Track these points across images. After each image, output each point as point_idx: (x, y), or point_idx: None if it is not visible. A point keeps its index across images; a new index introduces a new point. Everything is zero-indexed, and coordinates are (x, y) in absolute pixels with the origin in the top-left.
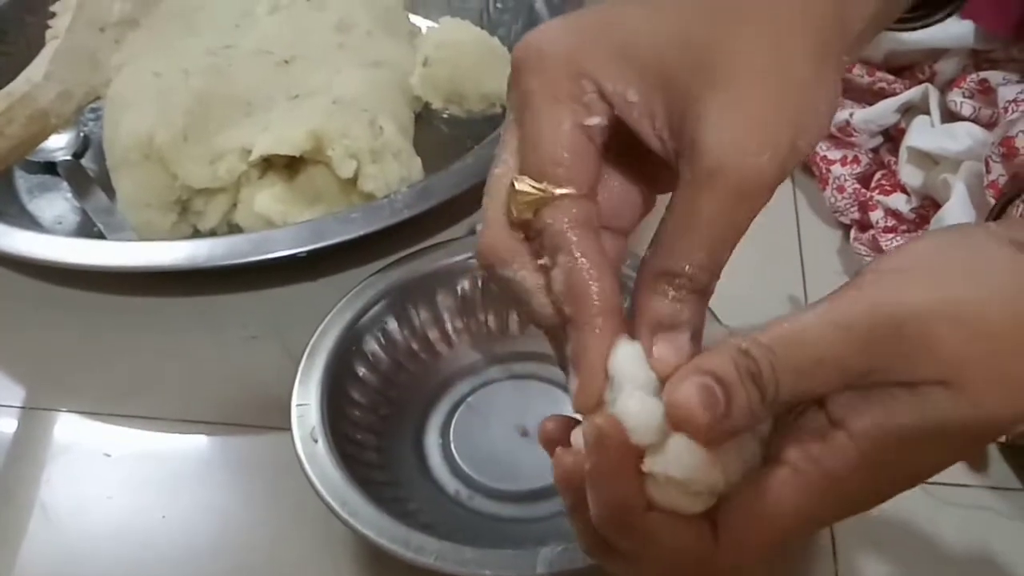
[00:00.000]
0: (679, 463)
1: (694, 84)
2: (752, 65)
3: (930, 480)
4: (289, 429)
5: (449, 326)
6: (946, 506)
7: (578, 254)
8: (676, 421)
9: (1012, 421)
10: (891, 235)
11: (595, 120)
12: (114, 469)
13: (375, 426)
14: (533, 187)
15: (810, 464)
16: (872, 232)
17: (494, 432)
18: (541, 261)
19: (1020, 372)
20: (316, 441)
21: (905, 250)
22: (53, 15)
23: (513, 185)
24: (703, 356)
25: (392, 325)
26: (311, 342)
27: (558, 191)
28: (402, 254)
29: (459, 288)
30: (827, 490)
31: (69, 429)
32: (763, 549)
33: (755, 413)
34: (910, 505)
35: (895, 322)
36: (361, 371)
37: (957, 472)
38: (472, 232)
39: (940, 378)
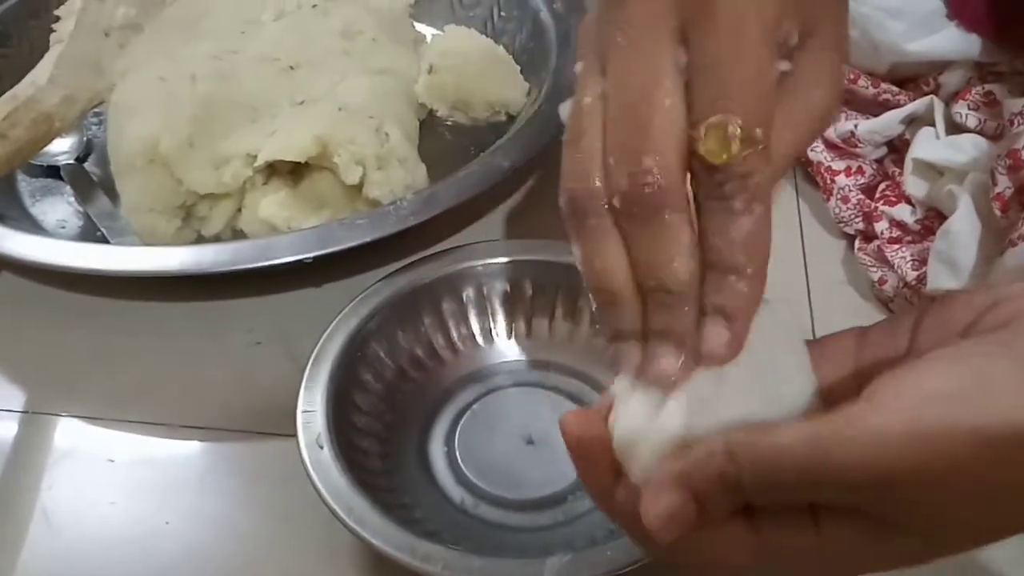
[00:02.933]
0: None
1: None
2: None
3: None
4: (293, 435)
5: (454, 333)
6: None
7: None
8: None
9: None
10: (896, 246)
11: (785, 66)
12: (117, 475)
13: (380, 433)
14: (742, 128)
15: (770, 537)
16: (877, 243)
17: (499, 440)
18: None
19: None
20: (322, 448)
21: (910, 381)
22: (57, 19)
23: (706, 122)
24: (685, 464)
25: (397, 332)
26: (316, 348)
27: (760, 134)
28: (407, 261)
29: (464, 295)
30: (772, 560)
31: (72, 434)
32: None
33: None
34: None
35: (875, 465)
36: (366, 378)
37: None
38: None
39: (917, 530)
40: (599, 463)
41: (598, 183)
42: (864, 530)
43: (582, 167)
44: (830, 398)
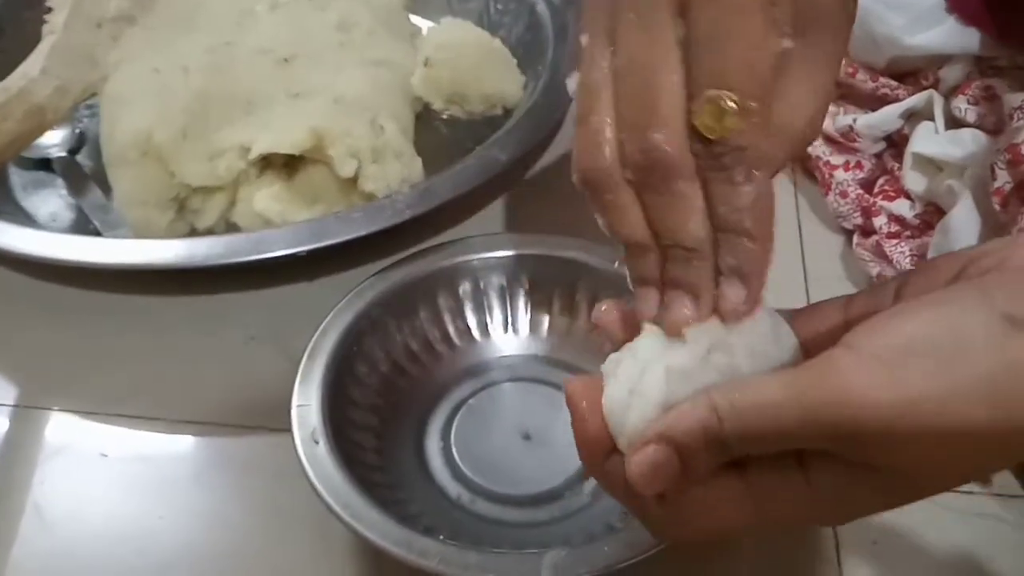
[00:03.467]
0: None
1: None
2: None
3: None
4: (287, 430)
5: (450, 327)
6: (950, 513)
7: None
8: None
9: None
10: (895, 240)
11: (787, 44)
12: (110, 470)
13: (376, 428)
14: (736, 103)
15: (761, 490)
16: (875, 238)
17: (495, 435)
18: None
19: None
20: (317, 443)
21: (887, 329)
22: (50, 10)
23: (702, 96)
24: (670, 420)
25: (393, 326)
26: (311, 342)
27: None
28: (403, 255)
29: (460, 289)
30: (766, 515)
31: (64, 429)
32: (697, 536)
33: (712, 467)
34: (914, 511)
35: (850, 413)
36: (362, 372)
37: None
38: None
39: (896, 471)
40: (594, 430)
41: (609, 160)
42: (847, 474)
43: (594, 145)
44: (813, 353)
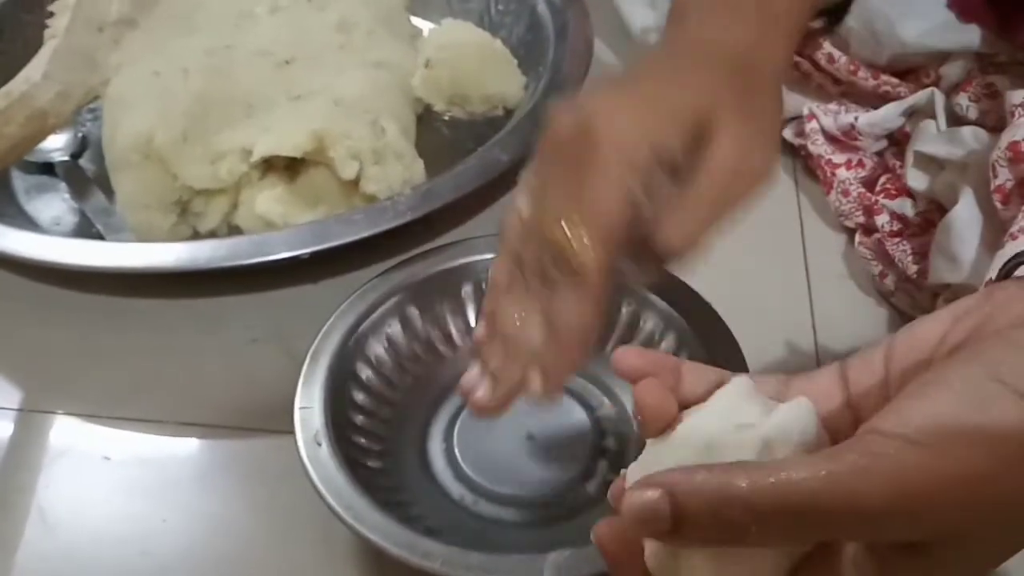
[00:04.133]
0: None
1: None
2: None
3: None
4: (290, 432)
5: (453, 329)
6: None
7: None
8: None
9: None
10: (897, 239)
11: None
12: (114, 472)
13: (378, 429)
14: (572, 234)
15: None
16: (877, 236)
17: (498, 436)
18: None
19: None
20: (320, 445)
21: (913, 414)
22: (51, 15)
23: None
24: (682, 479)
25: (396, 328)
26: (314, 344)
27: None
28: (405, 257)
29: (463, 291)
30: None
31: (68, 432)
32: None
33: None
34: None
35: (907, 504)
36: (365, 374)
37: None
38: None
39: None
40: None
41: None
42: (887, 562)
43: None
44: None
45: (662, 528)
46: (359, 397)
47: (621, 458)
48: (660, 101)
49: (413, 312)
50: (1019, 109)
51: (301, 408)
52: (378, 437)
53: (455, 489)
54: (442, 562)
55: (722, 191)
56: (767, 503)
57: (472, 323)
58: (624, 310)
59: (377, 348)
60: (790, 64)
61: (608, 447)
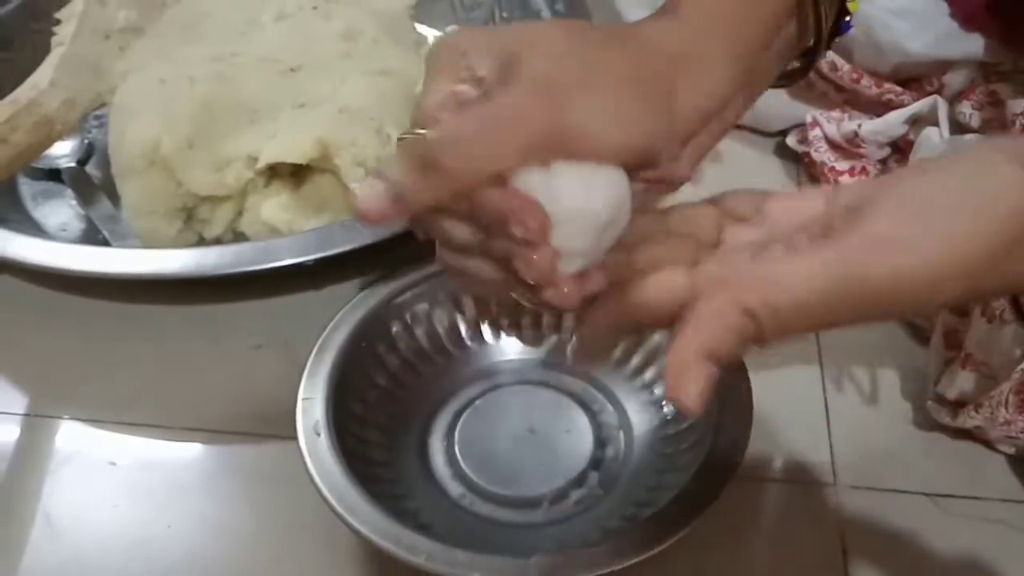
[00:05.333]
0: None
1: None
2: None
3: (940, 492)
4: (295, 438)
5: (462, 328)
6: (956, 518)
7: None
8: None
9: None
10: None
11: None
12: (119, 478)
13: (381, 424)
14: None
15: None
16: None
17: (499, 436)
18: None
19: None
20: (319, 435)
21: (909, 190)
22: (58, 22)
23: None
24: (712, 334)
25: (404, 324)
26: (321, 338)
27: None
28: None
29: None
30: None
31: (73, 437)
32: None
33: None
34: (920, 517)
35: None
36: (370, 369)
37: (967, 484)
38: None
39: None
40: None
41: None
42: None
43: None
44: None
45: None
46: (363, 391)
47: (614, 469)
48: None
49: (422, 309)
50: (1020, 118)
51: (303, 399)
52: (379, 431)
53: (453, 487)
54: (426, 557)
55: None
56: (783, 326)
57: (482, 324)
58: None
59: (384, 344)
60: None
61: (605, 457)
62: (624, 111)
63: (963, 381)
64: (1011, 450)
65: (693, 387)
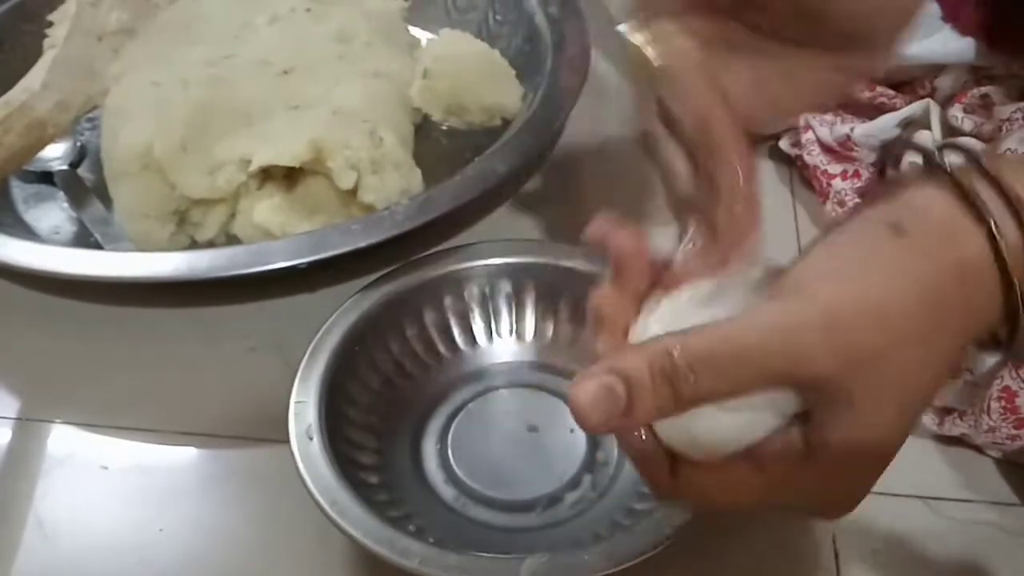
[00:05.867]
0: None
1: None
2: None
3: (932, 495)
4: (287, 442)
5: (456, 331)
6: (948, 520)
7: None
8: (575, 417)
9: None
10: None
11: None
12: (111, 482)
13: (374, 427)
14: None
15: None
16: None
17: (493, 440)
18: None
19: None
20: (311, 439)
21: (803, 263)
22: (50, 24)
23: None
24: (619, 355)
25: (397, 328)
26: (314, 341)
27: None
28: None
29: (466, 294)
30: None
31: (65, 441)
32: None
33: (665, 410)
34: (912, 519)
35: (817, 321)
36: (363, 372)
37: (958, 487)
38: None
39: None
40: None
41: None
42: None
43: None
44: None
45: (618, 408)
46: (356, 394)
47: (608, 473)
48: None
49: (417, 313)
50: (1006, 124)
51: (296, 402)
52: (373, 434)
53: (446, 490)
54: (419, 561)
55: None
56: (694, 356)
57: (475, 327)
58: None
59: (378, 347)
60: None
61: (598, 460)
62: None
63: (947, 389)
64: (998, 455)
65: (587, 386)
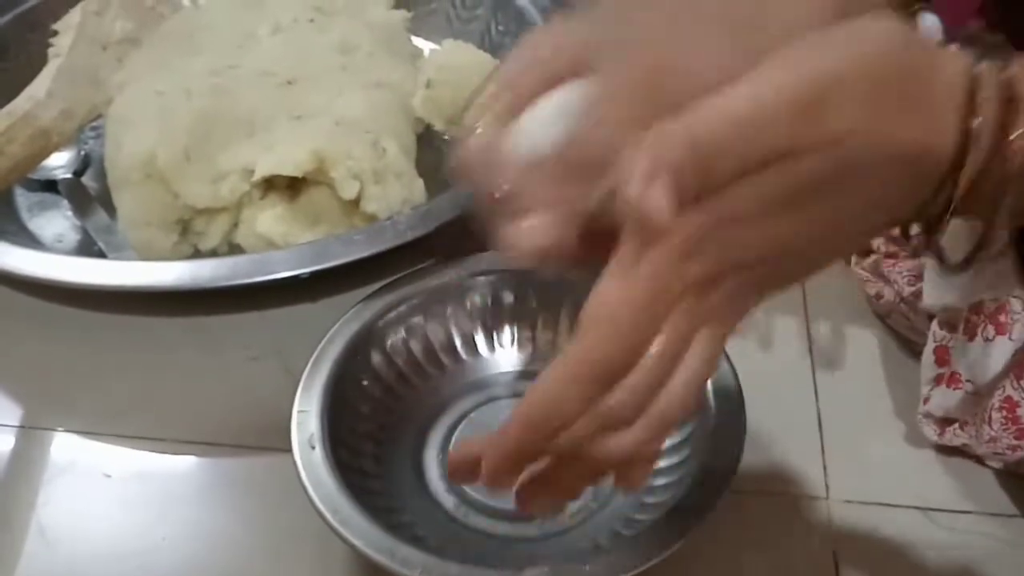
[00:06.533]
0: None
1: None
2: None
3: (931, 507)
4: (290, 450)
5: (457, 341)
6: (947, 532)
7: None
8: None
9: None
10: (892, 261)
11: None
12: (113, 490)
13: (376, 436)
14: None
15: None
16: (874, 257)
17: None
18: None
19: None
20: (314, 448)
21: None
22: (55, 33)
23: None
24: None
25: (399, 337)
26: (316, 351)
27: None
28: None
29: (468, 304)
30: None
31: (68, 449)
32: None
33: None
34: (911, 530)
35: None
36: (365, 381)
37: (957, 498)
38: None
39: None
40: None
41: None
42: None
43: None
44: None
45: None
46: (358, 403)
47: (608, 483)
48: None
49: (417, 322)
50: None
51: (299, 411)
52: (375, 443)
53: (447, 500)
54: (421, 571)
55: None
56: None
57: (477, 337)
58: None
59: (379, 356)
60: None
61: None
62: (713, 47)
63: (948, 399)
64: (999, 465)
65: (657, 188)
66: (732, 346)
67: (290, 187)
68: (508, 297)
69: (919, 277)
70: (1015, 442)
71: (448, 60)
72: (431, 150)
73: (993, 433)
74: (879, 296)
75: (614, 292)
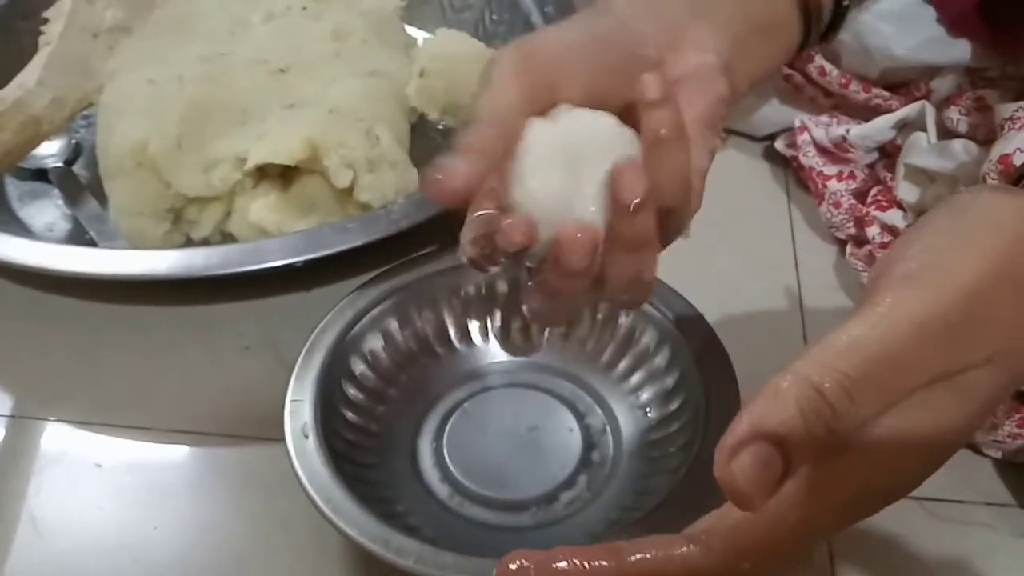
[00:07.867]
0: None
1: None
2: None
3: (927, 496)
4: (283, 440)
5: (451, 330)
6: (943, 522)
7: None
8: (732, 499)
9: None
10: (887, 251)
11: None
12: (105, 480)
13: (369, 425)
14: None
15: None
16: (869, 247)
17: (488, 439)
18: None
19: None
20: (307, 437)
21: (908, 246)
22: (46, 21)
23: None
24: (766, 407)
25: (393, 326)
26: (310, 339)
27: None
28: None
29: (463, 292)
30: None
31: (59, 439)
32: (758, 557)
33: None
34: (907, 521)
35: (964, 309)
36: (359, 370)
37: (954, 488)
38: None
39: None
40: None
41: None
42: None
43: None
44: None
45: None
46: (352, 393)
47: (603, 472)
48: None
49: (411, 311)
50: (1008, 123)
51: (292, 400)
52: (368, 433)
53: (441, 489)
54: (415, 560)
55: None
56: (866, 374)
57: (471, 326)
58: (622, 322)
59: (373, 346)
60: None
61: (593, 460)
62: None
63: None
64: (998, 454)
65: (743, 461)
66: (728, 338)
67: (283, 176)
68: (502, 286)
69: None
70: (1016, 430)
71: (442, 49)
72: (425, 139)
73: (995, 420)
74: None
75: None
